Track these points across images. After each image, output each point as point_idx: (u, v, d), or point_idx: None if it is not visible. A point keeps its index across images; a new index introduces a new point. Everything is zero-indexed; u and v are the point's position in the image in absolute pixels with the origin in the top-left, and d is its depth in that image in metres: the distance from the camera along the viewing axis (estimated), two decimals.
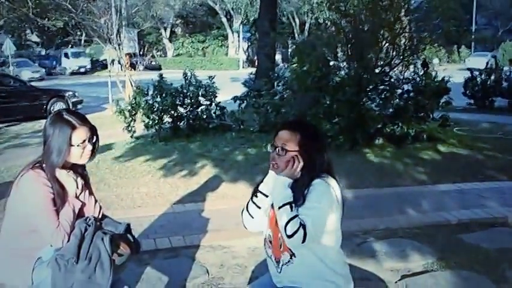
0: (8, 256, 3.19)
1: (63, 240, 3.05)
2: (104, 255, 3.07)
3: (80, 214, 3.22)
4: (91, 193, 3.39)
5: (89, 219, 3.19)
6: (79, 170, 3.33)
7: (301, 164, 3.00)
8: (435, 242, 5.83)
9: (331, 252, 3.08)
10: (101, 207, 3.43)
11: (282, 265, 3.11)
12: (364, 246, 5.79)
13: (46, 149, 3.14)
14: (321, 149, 3.09)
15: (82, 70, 54.69)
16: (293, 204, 2.91)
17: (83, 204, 3.27)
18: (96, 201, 3.40)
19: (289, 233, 2.83)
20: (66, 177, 3.18)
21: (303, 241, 2.82)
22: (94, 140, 3.27)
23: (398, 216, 6.80)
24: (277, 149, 3.05)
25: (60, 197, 3.13)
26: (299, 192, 2.98)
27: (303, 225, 2.82)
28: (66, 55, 57.24)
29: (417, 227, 6.38)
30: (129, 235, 3.38)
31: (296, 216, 2.86)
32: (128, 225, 3.41)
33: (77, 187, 3.24)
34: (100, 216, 3.37)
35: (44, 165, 3.15)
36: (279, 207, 2.93)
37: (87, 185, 3.38)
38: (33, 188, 3.06)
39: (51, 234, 3.04)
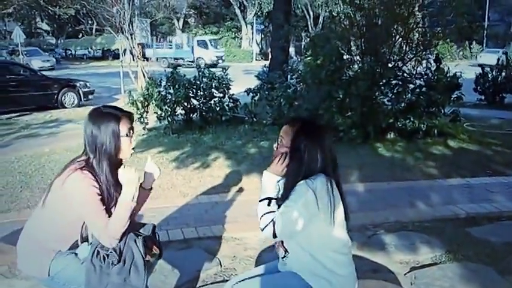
0: (31, 246, 3.24)
1: (111, 243, 3.07)
2: (138, 256, 3.10)
3: None
4: None
5: None
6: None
7: (286, 162, 3.06)
8: (443, 235, 5.91)
9: (325, 250, 3.08)
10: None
11: (282, 258, 3.22)
12: (375, 239, 5.86)
13: (98, 149, 3.11)
14: (314, 148, 3.06)
15: (220, 62, 46.93)
16: (272, 200, 3.02)
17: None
18: None
19: (261, 226, 2.99)
20: (131, 175, 3.14)
21: (274, 236, 2.96)
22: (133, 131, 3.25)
23: (408, 210, 6.87)
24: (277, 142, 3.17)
25: (111, 196, 3.14)
26: (284, 191, 3.06)
27: (273, 222, 2.94)
28: (202, 44, 49.84)
29: (426, 221, 6.44)
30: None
31: (271, 212, 2.97)
32: (154, 226, 3.44)
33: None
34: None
35: (93, 165, 3.12)
36: (259, 201, 3.05)
37: None
38: (81, 189, 3.03)
39: (99, 234, 3.07)
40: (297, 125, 3.13)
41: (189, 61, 48.04)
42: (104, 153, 3.11)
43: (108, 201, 3.13)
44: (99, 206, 3.05)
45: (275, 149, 3.16)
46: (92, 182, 3.05)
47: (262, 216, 3.00)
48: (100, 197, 3.07)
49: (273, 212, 2.97)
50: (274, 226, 2.93)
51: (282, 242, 3.17)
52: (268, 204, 3.01)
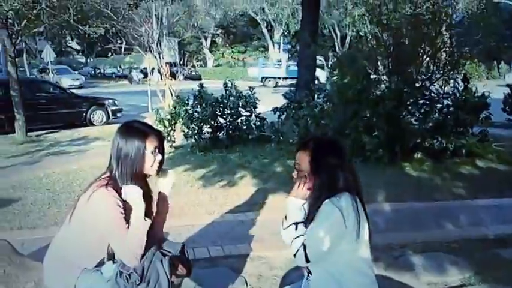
0: (57, 263, 3.27)
1: (132, 262, 3.07)
2: (163, 277, 3.08)
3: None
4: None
5: None
6: (144, 187, 3.30)
7: (307, 185, 3.02)
8: (472, 257, 5.82)
9: (348, 271, 3.03)
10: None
11: (306, 279, 3.18)
12: (402, 260, 5.80)
13: (121, 161, 3.14)
14: (333, 167, 3.03)
15: None
16: (299, 224, 2.97)
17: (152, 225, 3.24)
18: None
19: (293, 252, 2.95)
20: (134, 194, 3.13)
21: (307, 261, 2.92)
22: (161, 150, 3.29)
23: (436, 230, 6.81)
24: (295, 170, 3.12)
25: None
26: (310, 213, 3.01)
27: (303, 246, 2.90)
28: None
29: (455, 241, 6.37)
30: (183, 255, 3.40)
31: (300, 236, 2.93)
32: (184, 245, 3.43)
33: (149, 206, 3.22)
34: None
35: (116, 177, 3.15)
36: (285, 228, 3.03)
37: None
38: (105, 206, 3.06)
39: (122, 253, 3.09)
40: (310, 147, 3.10)
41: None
42: (127, 165, 3.14)
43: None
44: (122, 225, 3.07)
45: (294, 176, 3.13)
46: (116, 200, 3.07)
47: (292, 241, 2.96)
48: (123, 215, 3.08)
49: (302, 235, 2.94)
50: (305, 250, 2.90)
51: None
52: (296, 229, 2.97)
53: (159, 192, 3.47)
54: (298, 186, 3.04)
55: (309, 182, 3.03)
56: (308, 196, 3.05)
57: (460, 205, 8.03)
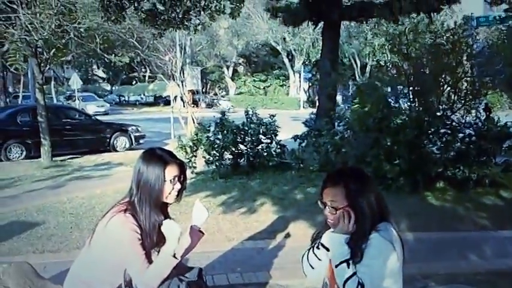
0: (78, 286, 3.29)
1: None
2: None
3: None
4: None
5: None
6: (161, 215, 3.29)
7: (353, 218, 2.88)
8: None
9: None
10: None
11: None
12: None
13: (141, 187, 3.18)
14: (369, 195, 2.94)
15: None
16: (350, 262, 2.82)
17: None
18: None
19: None
20: (172, 230, 3.14)
21: None
22: (182, 179, 3.31)
23: (459, 262, 6.72)
24: (326, 206, 2.96)
25: (151, 239, 3.18)
26: (356, 248, 2.86)
27: (361, 284, 2.76)
28: None
29: (479, 273, 6.28)
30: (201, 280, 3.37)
31: (354, 274, 2.79)
32: (200, 269, 3.41)
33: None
34: None
35: (135, 202, 3.18)
36: (336, 266, 2.86)
37: None
38: (122, 233, 3.08)
39: (138, 279, 3.09)
40: (341, 180, 2.99)
41: None
42: (146, 192, 3.16)
43: (149, 245, 3.16)
44: (139, 251, 3.09)
45: (328, 213, 2.97)
46: (133, 227, 3.09)
47: (346, 281, 2.80)
48: (141, 241, 3.10)
49: (355, 273, 2.80)
50: None
51: None
52: (348, 267, 2.82)
53: (192, 226, 3.46)
54: (344, 220, 2.89)
55: (352, 215, 2.89)
56: (353, 230, 2.92)
57: (484, 236, 7.93)
